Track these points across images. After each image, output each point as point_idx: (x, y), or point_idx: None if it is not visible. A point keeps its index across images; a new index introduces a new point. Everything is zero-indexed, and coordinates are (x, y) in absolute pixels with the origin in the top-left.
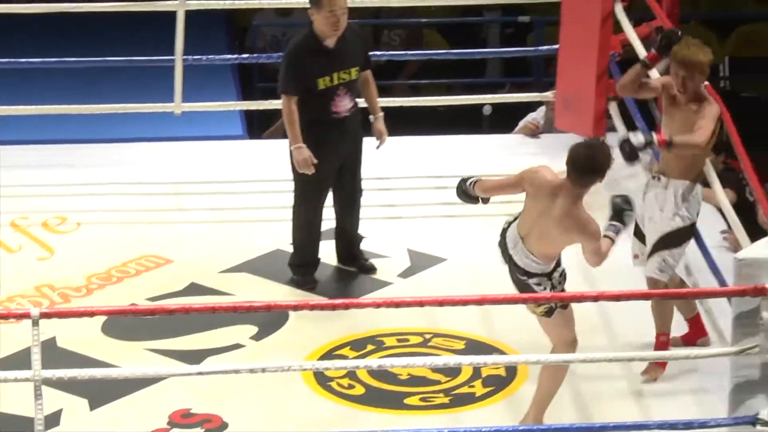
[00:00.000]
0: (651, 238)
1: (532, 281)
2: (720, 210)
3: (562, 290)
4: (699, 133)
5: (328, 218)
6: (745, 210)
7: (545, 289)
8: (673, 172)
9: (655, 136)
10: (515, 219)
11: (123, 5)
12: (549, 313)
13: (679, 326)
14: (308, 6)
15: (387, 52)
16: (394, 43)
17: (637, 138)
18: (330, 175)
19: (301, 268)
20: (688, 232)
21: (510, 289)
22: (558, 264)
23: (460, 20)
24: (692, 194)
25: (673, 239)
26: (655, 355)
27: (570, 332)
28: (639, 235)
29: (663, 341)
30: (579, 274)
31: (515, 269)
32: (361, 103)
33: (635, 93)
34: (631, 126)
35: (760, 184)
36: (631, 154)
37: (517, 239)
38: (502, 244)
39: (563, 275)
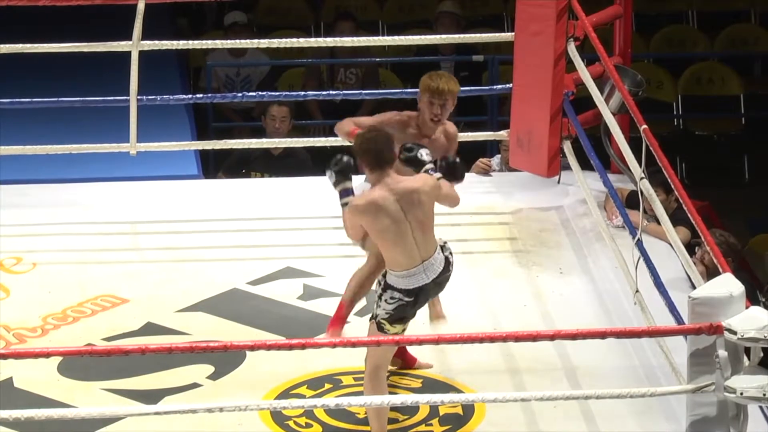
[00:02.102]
0: None
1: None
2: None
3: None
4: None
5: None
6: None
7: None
8: None
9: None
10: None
11: (78, 46)
12: (371, 317)
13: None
14: (259, 46)
15: (342, 91)
16: (350, 81)
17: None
18: None
19: None
20: None
21: (466, 328)
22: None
23: (415, 59)
24: None
25: None
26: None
27: (381, 352)
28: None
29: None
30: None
31: (445, 274)
32: None
33: None
34: (586, 165)
35: (711, 222)
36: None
37: (429, 259)
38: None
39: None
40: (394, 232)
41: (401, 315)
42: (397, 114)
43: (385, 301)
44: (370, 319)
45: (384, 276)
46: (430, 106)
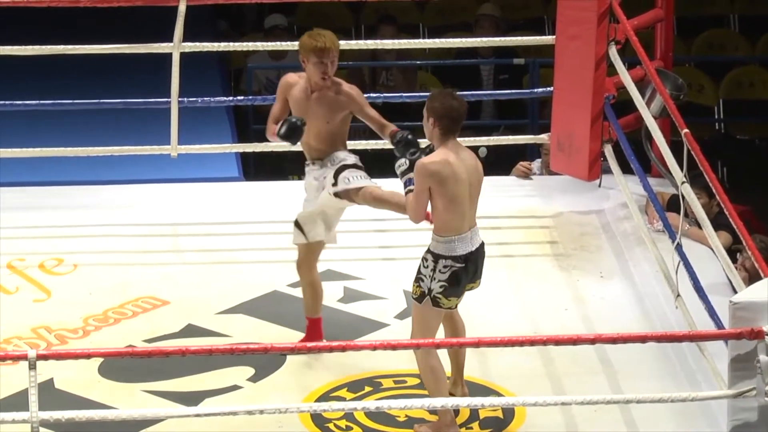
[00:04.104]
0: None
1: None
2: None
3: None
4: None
5: (325, 259)
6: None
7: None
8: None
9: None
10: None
11: (119, 48)
12: (420, 298)
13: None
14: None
15: (383, 94)
16: (392, 84)
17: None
18: None
19: None
20: None
21: (507, 331)
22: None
23: (455, 62)
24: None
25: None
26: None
27: (430, 332)
28: None
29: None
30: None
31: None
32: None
33: None
34: (626, 168)
35: (752, 226)
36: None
37: (474, 228)
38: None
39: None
40: (458, 194)
41: (456, 282)
42: (291, 82)
43: (439, 271)
44: (418, 300)
45: (429, 251)
46: (319, 66)
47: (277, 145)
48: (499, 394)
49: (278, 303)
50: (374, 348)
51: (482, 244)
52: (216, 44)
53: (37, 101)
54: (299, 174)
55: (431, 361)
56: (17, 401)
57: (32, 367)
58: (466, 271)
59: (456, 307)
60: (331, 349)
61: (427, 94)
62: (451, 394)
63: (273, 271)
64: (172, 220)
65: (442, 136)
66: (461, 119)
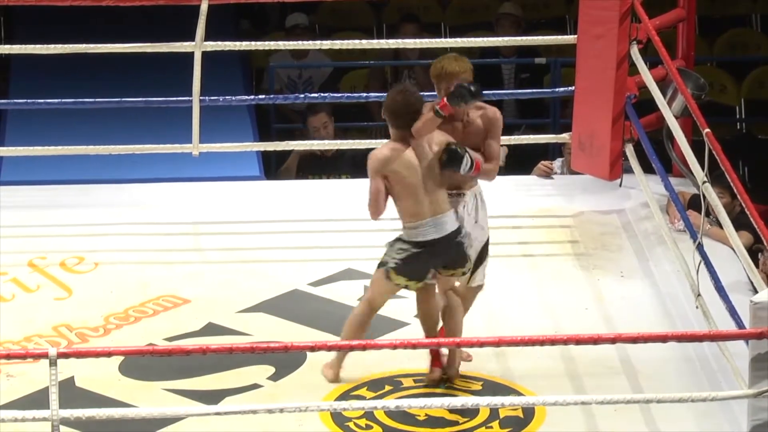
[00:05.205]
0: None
1: None
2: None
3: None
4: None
5: (345, 258)
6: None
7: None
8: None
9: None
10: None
11: (141, 46)
12: (381, 264)
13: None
14: (321, 48)
15: None
16: (413, 83)
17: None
18: None
19: None
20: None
21: (527, 330)
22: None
23: (477, 62)
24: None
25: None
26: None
27: (378, 295)
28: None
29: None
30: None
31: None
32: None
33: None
34: (648, 168)
35: None
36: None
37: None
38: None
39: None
40: (410, 182)
41: (409, 265)
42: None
43: (395, 251)
44: (378, 266)
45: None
46: (439, 92)
47: (299, 143)
48: (519, 394)
49: (299, 302)
50: (394, 347)
51: (456, 232)
52: (237, 43)
53: (60, 99)
54: (318, 174)
55: (365, 318)
56: (38, 399)
57: (53, 365)
58: (424, 256)
59: (414, 288)
60: (351, 348)
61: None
62: (445, 374)
63: (294, 270)
64: (193, 219)
65: (393, 129)
66: (404, 112)
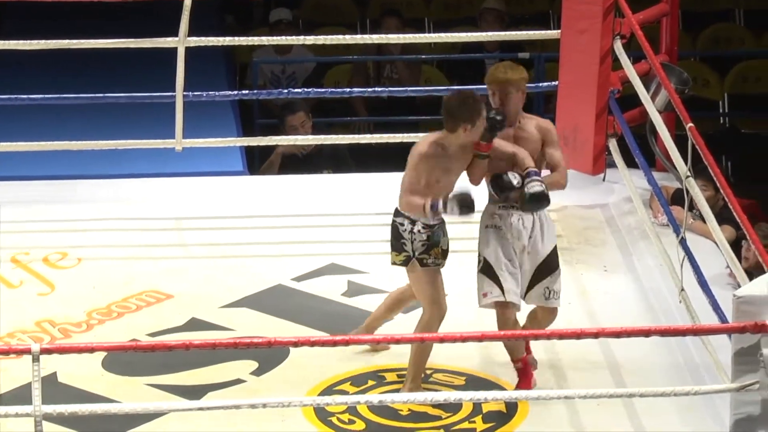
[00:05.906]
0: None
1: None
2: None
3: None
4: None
5: (329, 253)
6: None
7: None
8: None
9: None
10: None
11: (124, 42)
12: (405, 262)
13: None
14: (305, 43)
15: (388, 88)
16: (396, 77)
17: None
18: None
19: None
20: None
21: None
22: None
23: (461, 57)
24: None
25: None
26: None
27: (434, 290)
28: None
29: (520, 367)
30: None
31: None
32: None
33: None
34: (631, 162)
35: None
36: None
37: None
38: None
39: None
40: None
41: (436, 239)
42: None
43: (418, 232)
44: (407, 265)
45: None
46: (492, 97)
47: (282, 139)
48: (502, 388)
49: (282, 297)
50: (378, 342)
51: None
52: (221, 39)
53: (42, 95)
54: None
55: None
56: (21, 395)
57: (36, 360)
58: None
59: (439, 259)
60: (335, 344)
61: (433, 88)
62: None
63: (277, 265)
64: (176, 214)
65: (452, 132)
66: (444, 112)
